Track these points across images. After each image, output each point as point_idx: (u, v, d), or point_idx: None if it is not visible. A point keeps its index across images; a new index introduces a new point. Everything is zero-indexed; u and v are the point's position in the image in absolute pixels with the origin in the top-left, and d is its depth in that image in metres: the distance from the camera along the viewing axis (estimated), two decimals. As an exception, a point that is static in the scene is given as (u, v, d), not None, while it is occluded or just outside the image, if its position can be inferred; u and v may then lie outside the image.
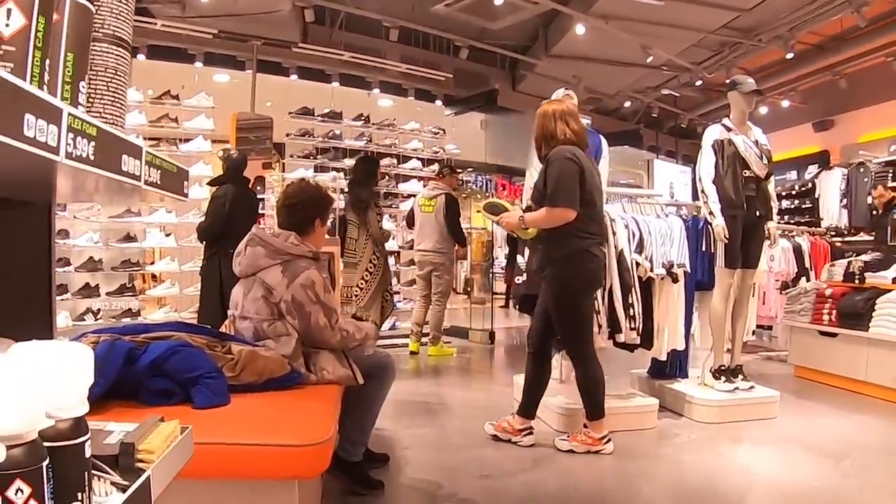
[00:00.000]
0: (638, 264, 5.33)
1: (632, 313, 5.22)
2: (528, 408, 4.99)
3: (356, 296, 7.49)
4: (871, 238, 9.81)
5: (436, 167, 10.80)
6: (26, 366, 0.95)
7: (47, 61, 1.11)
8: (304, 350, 3.48)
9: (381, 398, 3.94)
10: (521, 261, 5.43)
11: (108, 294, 8.56)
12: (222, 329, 3.73)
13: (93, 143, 1.13)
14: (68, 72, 1.22)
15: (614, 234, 5.28)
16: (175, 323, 3.38)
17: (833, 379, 7.10)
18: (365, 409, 3.84)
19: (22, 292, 1.81)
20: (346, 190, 8.14)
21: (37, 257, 1.91)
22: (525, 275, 5.33)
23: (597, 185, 4.70)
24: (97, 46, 1.46)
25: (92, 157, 1.13)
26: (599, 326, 5.11)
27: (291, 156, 10.54)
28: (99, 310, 8.39)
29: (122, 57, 1.53)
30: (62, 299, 7.86)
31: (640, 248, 5.39)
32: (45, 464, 0.95)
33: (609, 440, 4.79)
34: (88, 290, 8.35)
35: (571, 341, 4.83)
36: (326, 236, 4.89)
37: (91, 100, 1.44)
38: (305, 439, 2.50)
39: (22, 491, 0.91)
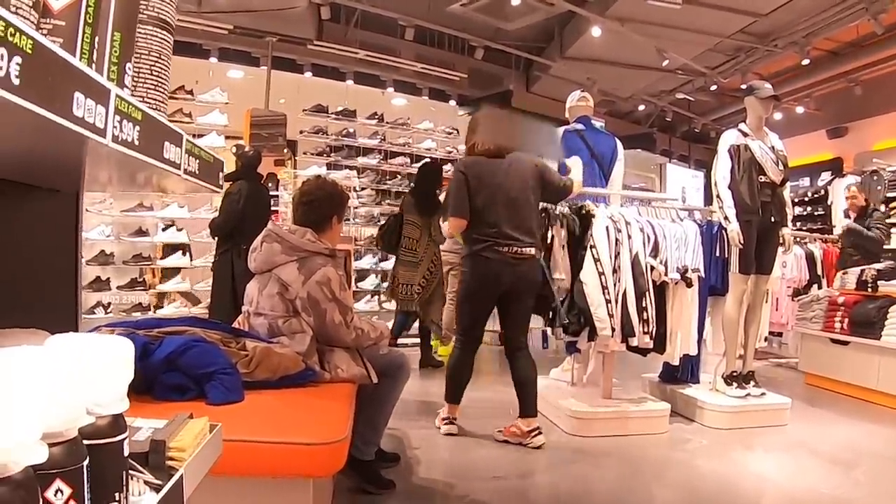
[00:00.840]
0: (652, 268, 5.30)
1: (645, 317, 5.17)
2: (527, 407, 4.99)
3: (418, 293, 7.69)
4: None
5: (449, 167, 10.78)
6: (65, 359, 0.92)
7: (97, 38, 1.07)
8: (318, 347, 3.45)
9: (394, 398, 3.92)
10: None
11: (118, 288, 8.59)
12: (235, 325, 3.72)
13: (138, 128, 1.10)
14: (115, 52, 1.19)
15: (629, 237, 5.25)
16: (189, 318, 3.36)
17: (844, 387, 7.06)
18: (378, 408, 3.82)
19: (48, 283, 1.78)
20: (409, 193, 8.30)
21: (63, 248, 1.88)
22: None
23: (497, 189, 4.84)
24: (142, 28, 1.43)
25: (137, 143, 1.09)
26: (613, 330, 5.08)
27: (304, 153, 10.56)
28: (109, 303, 8.40)
29: (165, 41, 1.50)
30: None
31: (654, 251, 5.35)
32: (85, 463, 0.91)
33: (449, 423, 5.16)
34: (99, 284, 8.36)
35: (458, 327, 5.27)
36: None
37: (135, 82, 1.41)
38: (321, 438, 2.48)
39: (62, 492, 0.87)
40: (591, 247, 5.18)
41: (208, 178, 1.58)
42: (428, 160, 9.72)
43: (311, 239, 3.60)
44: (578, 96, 6.56)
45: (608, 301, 5.08)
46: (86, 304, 8.07)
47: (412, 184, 8.60)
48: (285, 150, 10.39)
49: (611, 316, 5.06)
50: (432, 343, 8.50)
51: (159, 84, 1.48)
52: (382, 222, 8.68)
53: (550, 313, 5.31)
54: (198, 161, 1.48)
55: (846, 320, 7.11)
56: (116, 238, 8.68)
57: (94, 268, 8.40)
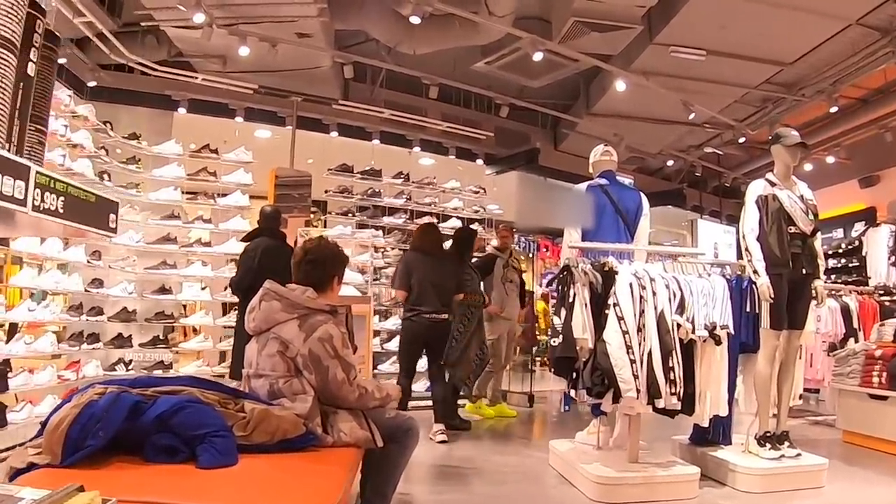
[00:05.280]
0: (679, 326, 5.11)
1: (672, 377, 4.96)
2: (439, 416, 7.21)
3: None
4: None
5: (476, 227, 10.74)
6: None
7: None
8: (321, 409, 3.36)
9: (402, 463, 3.78)
10: (558, 322, 5.25)
11: (140, 345, 8.60)
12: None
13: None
14: None
15: (654, 294, 5.08)
16: (188, 377, 3.31)
17: (883, 444, 6.82)
18: (385, 475, 3.69)
19: None
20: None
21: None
22: (561, 336, 5.15)
23: (426, 276, 7.21)
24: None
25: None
26: (638, 391, 4.88)
27: (330, 213, 10.56)
28: (131, 360, 8.39)
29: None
30: (93, 348, 7.89)
31: (681, 308, 5.16)
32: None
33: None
34: (121, 341, 8.37)
35: (400, 367, 7.45)
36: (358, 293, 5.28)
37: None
38: (309, 506, 2.33)
39: None
40: (614, 305, 5.00)
41: (84, 220, 1.43)
42: (464, 227, 9.78)
43: (311, 296, 3.56)
44: (602, 151, 6.50)
45: (633, 361, 4.88)
46: (107, 361, 8.17)
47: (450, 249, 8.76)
48: (313, 210, 10.40)
49: (636, 377, 4.86)
50: (467, 405, 8.59)
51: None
52: None
53: (573, 374, 5.16)
54: (62, 198, 1.34)
55: (884, 374, 6.88)
56: (139, 295, 8.72)
57: (115, 324, 8.44)
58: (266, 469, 2.78)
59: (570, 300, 5.18)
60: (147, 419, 2.69)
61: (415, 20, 8.46)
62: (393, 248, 10.48)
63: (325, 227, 10.81)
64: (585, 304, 5.14)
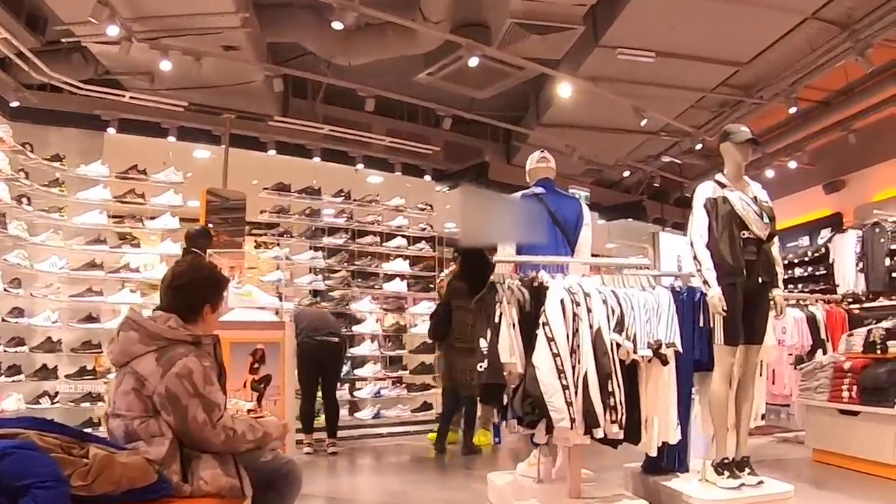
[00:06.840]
0: (618, 345, 4.60)
1: (612, 403, 4.43)
2: (329, 432, 8.41)
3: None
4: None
5: (423, 245, 10.33)
6: None
7: None
8: (184, 453, 2.95)
9: None
10: (484, 345, 4.76)
11: (67, 377, 8.31)
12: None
13: None
14: None
15: (589, 310, 4.58)
16: (29, 418, 2.90)
17: (856, 462, 6.43)
18: None
19: None
20: (456, 278, 8.40)
21: None
22: (487, 361, 4.65)
23: (312, 317, 8.71)
24: None
25: None
26: (573, 420, 4.36)
27: (264, 234, 10.20)
28: (57, 393, 8.11)
29: None
30: (14, 380, 7.65)
31: (620, 326, 4.66)
32: None
33: (307, 445, 8.31)
34: (45, 372, 8.14)
35: (300, 388, 8.32)
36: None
37: None
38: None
39: None
40: (543, 324, 4.49)
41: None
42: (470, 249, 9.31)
43: (172, 325, 3.12)
44: (538, 157, 6.13)
45: (565, 387, 4.36)
46: (31, 394, 7.94)
47: (458, 269, 8.56)
48: (259, 231, 10.11)
49: (569, 404, 4.34)
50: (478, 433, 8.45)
51: None
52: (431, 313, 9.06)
53: (503, 403, 4.67)
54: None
55: (854, 388, 6.54)
56: (65, 324, 8.41)
57: (39, 355, 8.18)
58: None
59: (497, 320, 4.68)
60: (-35, 467, 2.41)
61: (337, 26, 8.16)
62: (338, 272, 10.04)
63: (279, 247, 10.37)
64: (513, 325, 4.63)
